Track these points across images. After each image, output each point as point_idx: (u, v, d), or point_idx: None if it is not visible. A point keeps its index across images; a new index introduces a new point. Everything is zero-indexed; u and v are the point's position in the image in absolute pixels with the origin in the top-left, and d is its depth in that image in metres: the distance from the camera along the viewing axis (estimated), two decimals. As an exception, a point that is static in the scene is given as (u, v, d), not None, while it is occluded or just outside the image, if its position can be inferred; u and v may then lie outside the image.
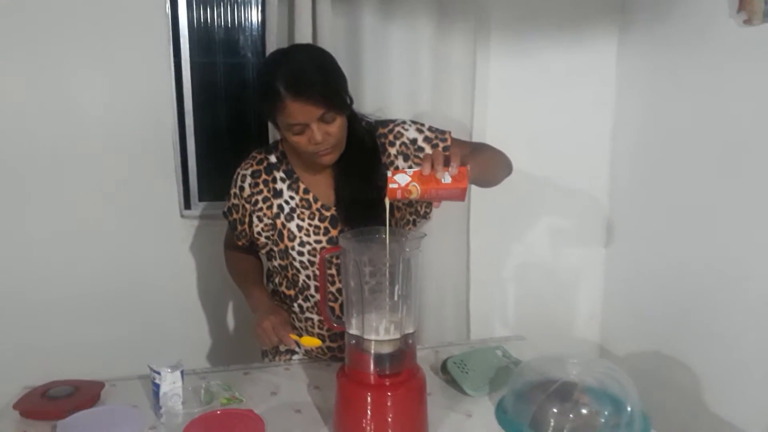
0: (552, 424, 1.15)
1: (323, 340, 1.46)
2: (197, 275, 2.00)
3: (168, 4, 1.86)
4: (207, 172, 2.01)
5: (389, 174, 1.09)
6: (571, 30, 2.15)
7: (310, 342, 1.33)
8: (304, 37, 1.82)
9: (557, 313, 2.33)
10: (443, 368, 1.39)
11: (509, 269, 2.27)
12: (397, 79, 1.94)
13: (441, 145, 1.38)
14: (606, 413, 1.14)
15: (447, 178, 1.07)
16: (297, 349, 1.52)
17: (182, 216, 1.97)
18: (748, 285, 1.74)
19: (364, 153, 1.34)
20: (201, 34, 1.95)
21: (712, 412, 1.86)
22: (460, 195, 1.09)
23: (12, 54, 1.77)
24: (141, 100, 1.87)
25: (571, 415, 1.14)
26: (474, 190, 2.06)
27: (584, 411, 1.15)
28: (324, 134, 1.23)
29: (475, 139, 2.07)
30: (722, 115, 1.81)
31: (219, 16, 1.97)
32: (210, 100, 2.00)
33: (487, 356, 1.46)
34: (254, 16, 2.01)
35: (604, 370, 1.22)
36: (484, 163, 1.33)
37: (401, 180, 1.07)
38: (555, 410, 1.15)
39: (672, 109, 2.00)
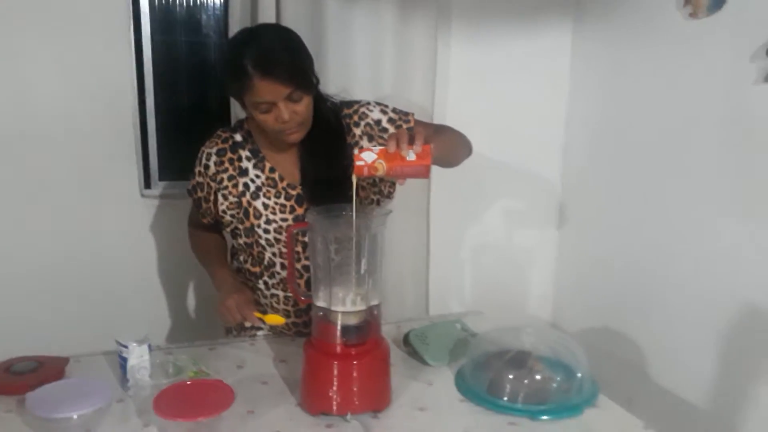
0: (508, 389, 1.22)
1: (288, 316, 1.49)
2: (158, 254, 2.00)
3: (128, -19, 1.84)
4: (168, 152, 2.00)
5: (356, 152, 1.12)
6: (528, 18, 2.23)
7: (274, 320, 1.37)
8: (267, 17, 1.84)
9: (511, 292, 2.43)
10: (405, 340, 1.45)
11: (466, 249, 2.35)
12: (359, 63, 1.98)
13: (404, 126, 1.43)
14: (558, 379, 1.22)
15: (411, 156, 1.11)
16: (262, 326, 1.55)
17: (142, 195, 1.96)
18: (686, 266, 1.87)
19: (329, 132, 1.38)
20: (162, 13, 1.94)
21: (653, 381, 1.99)
22: (425, 172, 1.13)
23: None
24: (101, 79, 1.85)
25: (525, 381, 1.21)
26: (433, 172, 2.13)
27: (538, 377, 1.22)
28: (291, 113, 1.26)
29: (436, 122, 2.12)
30: (669, 104, 1.91)
31: (180, -6, 1.96)
32: (171, 79, 1.99)
33: (447, 329, 1.52)
34: (216, -5, 2.01)
35: (556, 339, 1.30)
36: (447, 144, 1.39)
37: (367, 157, 1.11)
38: (511, 376, 1.22)
39: (623, 98, 2.10)
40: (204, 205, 1.46)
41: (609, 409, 1.22)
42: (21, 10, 1.75)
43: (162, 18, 1.94)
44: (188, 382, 1.15)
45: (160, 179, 2.00)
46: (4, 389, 1.19)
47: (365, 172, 1.12)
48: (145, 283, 2.00)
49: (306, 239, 1.36)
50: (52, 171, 1.85)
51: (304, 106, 1.28)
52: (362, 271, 1.16)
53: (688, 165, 1.86)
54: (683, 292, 1.89)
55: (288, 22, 1.85)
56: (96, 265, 1.93)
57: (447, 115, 2.18)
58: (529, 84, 2.27)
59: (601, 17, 2.17)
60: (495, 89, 2.23)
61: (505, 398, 1.21)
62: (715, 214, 1.78)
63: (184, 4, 1.97)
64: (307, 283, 1.39)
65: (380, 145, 1.39)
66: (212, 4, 2.00)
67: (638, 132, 2.04)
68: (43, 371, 1.25)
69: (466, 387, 1.28)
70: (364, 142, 1.41)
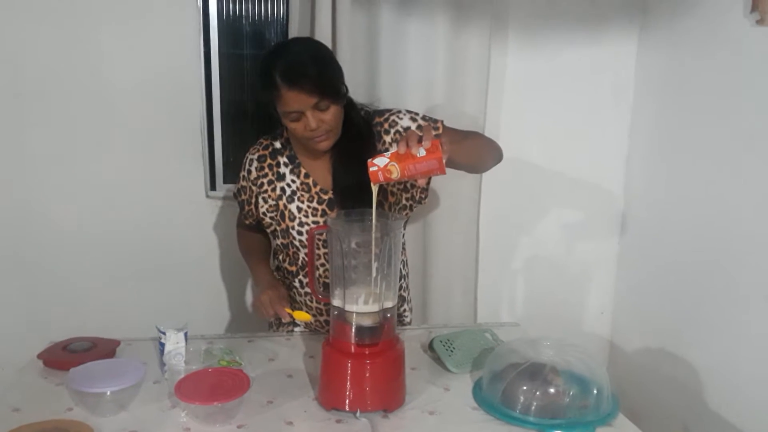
0: (521, 400, 1.21)
1: (321, 314, 1.56)
2: (219, 251, 2.13)
3: (200, -3, 2.00)
4: (232, 157, 2.14)
5: (370, 168, 1.15)
6: (591, 27, 2.18)
7: (302, 317, 1.44)
8: (324, 30, 1.92)
9: (567, 307, 2.37)
10: (430, 346, 1.47)
11: (519, 259, 2.32)
12: (412, 72, 2.02)
13: (433, 132, 1.45)
14: (571, 393, 1.20)
15: (421, 152, 1.12)
16: (298, 322, 1.63)
17: (208, 196, 2.10)
18: (756, 286, 1.75)
19: (359, 140, 1.43)
20: (229, 27, 2.08)
21: (712, 409, 1.88)
22: (439, 166, 1.13)
23: (52, 45, 1.92)
24: (173, 87, 2.01)
25: (537, 393, 1.20)
26: (485, 183, 2.14)
27: (551, 390, 1.20)
28: (318, 121, 1.33)
29: (488, 134, 2.12)
30: (735, 113, 1.81)
31: (247, 9, 2.09)
32: (236, 89, 2.12)
33: (476, 338, 1.53)
34: (279, 10, 2.11)
35: (575, 353, 1.27)
36: (472, 148, 1.42)
37: (380, 162, 1.15)
38: (524, 388, 1.22)
39: (688, 107, 2.01)
40: (247, 207, 1.56)
41: (623, 429, 1.18)
42: (104, 24, 1.94)
43: (229, 32, 2.08)
44: (210, 370, 1.24)
45: (224, 182, 2.14)
46: (59, 364, 1.34)
47: (380, 177, 1.16)
48: (205, 277, 2.14)
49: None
50: (128, 171, 2.03)
51: (331, 114, 1.34)
52: (376, 274, 1.20)
53: (756, 177, 1.74)
54: (750, 315, 1.77)
55: (343, 34, 1.92)
56: (162, 258, 2.09)
57: (501, 126, 2.17)
58: (590, 94, 2.22)
59: (667, 25, 2.09)
60: (553, 99, 2.20)
61: (518, 409, 1.20)
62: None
63: (250, 18, 2.10)
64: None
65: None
66: (275, 18, 2.12)
67: (704, 143, 1.93)
68: (95, 351, 1.39)
69: (481, 396, 1.28)
70: (394, 149, 1.45)
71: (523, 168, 2.22)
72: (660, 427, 2.04)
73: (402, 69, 2.01)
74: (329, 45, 1.92)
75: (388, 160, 1.14)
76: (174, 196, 2.07)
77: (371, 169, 1.15)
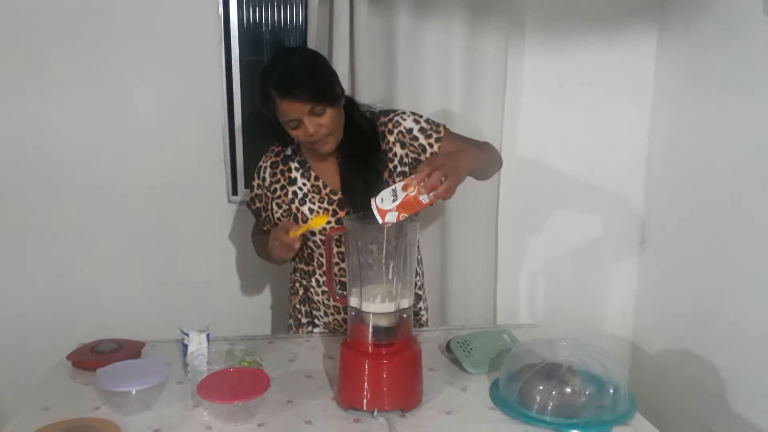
0: (537, 400, 1.22)
1: (339, 313, 1.60)
2: (241, 254, 2.17)
3: (221, 6, 2.04)
4: (253, 162, 2.16)
5: (380, 220, 1.19)
6: (609, 28, 2.17)
7: (318, 222, 1.45)
8: (342, 36, 1.95)
9: (587, 308, 2.36)
10: (447, 347, 1.49)
11: (538, 262, 2.32)
12: (430, 76, 2.04)
13: (434, 135, 1.50)
14: (587, 392, 1.20)
15: (426, 199, 1.20)
16: (317, 321, 1.65)
17: (229, 201, 2.14)
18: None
19: (362, 140, 1.48)
20: (250, 34, 2.12)
21: (734, 411, 1.86)
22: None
23: (74, 55, 1.98)
24: (194, 95, 2.06)
25: (554, 392, 1.21)
26: (503, 184, 2.15)
27: (567, 389, 1.21)
28: (316, 126, 1.37)
29: (507, 135, 2.14)
30: (756, 112, 1.79)
31: (266, 16, 2.13)
32: (257, 95, 2.14)
33: (493, 339, 1.53)
34: (298, 16, 2.15)
35: (591, 353, 1.27)
36: (478, 160, 1.44)
37: (392, 218, 1.19)
38: (540, 387, 1.22)
39: (708, 107, 1.99)
40: (263, 214, 1.60)
41: (640, 429, 1.18)
42: (126, 35, 1.99)
43: (250, 39, 2.12)
44: (231, 370, 1.27)
45: (246, 187, 2.18)
46: (87, 365, 1.38)
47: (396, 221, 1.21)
48: (228, 280, 2.19)
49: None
50: (152, 177, 2.08)
51: (328, 118, 1.38)
52: (391, 275, 1.22)
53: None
54: (771, 317, 1.76)
55: (361, 39, 1.95)
56: (185, 261, 2.14)
57: (519, 127, 2.18)
58: (610, 96, 2.21)
59: (686, 25, 2.07)
60: (572, 100, 2.20)
61: (535, 409, 1.21)
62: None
63: (270, 25, 2.14)
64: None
65: (398, 178, 1.48)
66: (295, 26, 2.16)
67: (724, 142, 1.92)
68: (121, 352, 1.44)
69: (498, 396, 1.29)
70: (397, 148, 1.50)
71: (542, 170, 2.23)
72: (682, 428, 2.02)
73: (419, 73, 2.03)
74: (347, 50, 1.95)
75: (397, 213, 1.19)
76: (197, 201, 2.11)
77: (386, 225, 1.19)
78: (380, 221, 1.19)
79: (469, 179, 1.39)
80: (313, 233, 1.50)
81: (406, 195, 1.18)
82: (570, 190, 2.26)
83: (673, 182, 2.17)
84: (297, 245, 1.39)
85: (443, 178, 1.21)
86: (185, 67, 2.03)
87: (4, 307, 2.09)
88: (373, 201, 1.21)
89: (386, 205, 1.19)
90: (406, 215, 1.20)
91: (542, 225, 2.29)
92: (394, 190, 1.21)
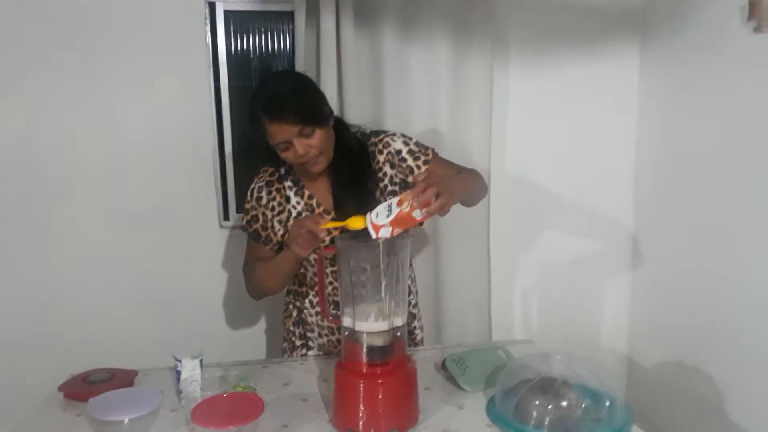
0: (534, 415, 1.21)
1: (333, 333, 1.59)
2: (234, 280, 2.17)
3: (209, 34, 2.06)
4: (245, 187, 2.16)
5: (373, 234, 1.20)
6: (592, 44, 2.21)
7: (356, 223, 1.26)
8: (329, 59, 1.98)
9: (582, 323, 2.36)
10: (443, 365, 1.48)
11: (532, 278, 2.32)
12: (417, 97, 2.07)
13: (422, 158, 1.52)
14: (583, 406, 1.20)
15: (419, 215, 1.21)
16: (311, 343, 1.65)
17: (221, 226, 2.14)
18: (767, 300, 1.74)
19: (353, 159, 1.49)
20: (238, 60, 2.14)
21: (732, 422, 1.85)
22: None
23: (64, 80, 2.00)
24: (184, 122, 2.07)
25: (550, 407, 1.20)
26: (494, 201, 2.16)
27: (564, 403, 1.20)
28: (305, 147, 1.38)
29: (495, 153, 2.16)
30: (740, 123, 1.82)
31: (254, 43, 2.15)
32: (246, 121, 2.16)
33: (488, 355, 1.53)
34: (285, 42, 2.18)
35: (586, 366, 1.27)
36: (467, 188, 1.47)
37: (386, 233, 1.20)
38: (536, 402, 1.22)
39: (693, 117, 2.02)
40: (263, 234, 1.57)
41: (638, 441, 1.17)
42: (115, 60, 2.01)
43: (238, 65, 2.14)
44: (224, 395, 1.26)
45: (237, 212, 2.18)
46: (79, 396, 1.36)
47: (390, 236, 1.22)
48: (221, 306, 2.18)
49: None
50: (142, 203, 2.08)
51: (317, 138, 1.39)
52: (384, 294, 1.22)
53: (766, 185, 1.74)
54: (764, 330, 1.76)
55: (348, 62, 1.98)
56: (178, 288, 2.13)
57: (507, 146, 2.20)
58: (595, 110, 2.24)
59: (668, 36, 2.11)
60: (558, 116, 2.23)
61: (532, 424, 1.20)
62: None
63: (258, 52, 2.16)
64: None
65: (389, 196, 1.48)
66: (282, 51, 2.18)
67: (711, 151, 1.93)
68: (113, 382, 1.42)
69: (495, 412, 1.29)
70: (386, 168, 1.51)
71: (531, 186, 2.25)
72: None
73: (406, 93, 2.05)
74: (335, 72, 1.98)
75: (391, 228, 1.20)
76: (188, 226, 2.12)
77: (380, 241, 1.20)
78: (374, 236, 1.19)
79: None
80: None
81: (400, 211, 1.19)
82: (560, 205, 2.28)
83: (661, 195, 2.19)
84: (324, 237, 1.32)
85: (437, 196, 1.22)
86: (174, 93, 2.05)
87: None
88: (368, 216, 1.22)
89: (380, 220, 1.20)
90: (400, 231, 1.21)
91: (534, 241, 2.30)
92: (389, 206, 1.22)
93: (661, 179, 2.19)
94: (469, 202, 1.56)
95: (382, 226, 1.19)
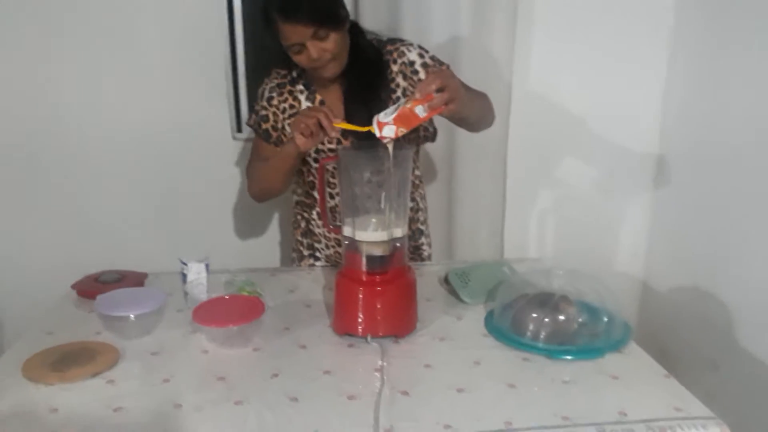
0: (530, 327, 1.22)
1: (340, 245, 1.59)
2: (245, 192, 2.17)
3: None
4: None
5: (377, 133, 1.16)
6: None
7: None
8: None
9: (599, 247, 2.33)
10: (446, 279, 1.49)
11: (549, 199, 2.28)
12: (437, 6, 1.96)
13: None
14: (580, 320, 1.20)
15: (423, 113, 1.16)
16: (318, 254, 1.66)
17: (234, 138, 2.13)
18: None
19: (368, 67, 1.44)
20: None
21: (741, 346, 1.84)
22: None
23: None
24: (195, 29, 2.02)
25: (547, 320, 1.20)
26: (513, 119, 2.10)
27: (561, 317, 1.21)
28: (320, 51, 1.33)
29: (518, 69, 2.08)
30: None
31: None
32: (259, 30, 2.11)
33: (492, 271, 1.52)
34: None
35: (588, 283, 1.26)
36: (475, 107, 1.41)
37: (390, 132, 1.16)
38: (534, 315, 1.22)
39: (732, 44, 1.89)
40: (273, 134, 1.54)
41: (633, 356, 1.17)
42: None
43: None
44: (226, 297, 1.29)
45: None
46: (90, 294, 1.41)
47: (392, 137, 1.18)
48: (233, 218, 2.20)
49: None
50: (155, 115, 2.06)
51: (332, 42, 1.34)
52: (383, 204, 1.21)
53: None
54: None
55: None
56: (192, 200, 2.15)
57: (532, 57, 2.11)
58: (626, 27, 2.11)
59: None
60: (586, 28, 2.10)
61: (527, 335, 1.21)
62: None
63: (271, -44, 2.07)
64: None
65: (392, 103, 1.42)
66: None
67: (749, 70, 1.81)
68: (124, 282, 1.46)
69: (492, 324, 1.30)
70: (399, 79, 1.46)
71: (554, 104, 2.16)
72: (690, 365, 2.01)
73: (426, 2, 1.96)
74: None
75: (395, 127, 1.16)
76: (201, 138, 2.11)
77: (385, 141, 1.17)
78: (377, 134, 1.16)
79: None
80: (316, 159, 1.49)
81: (403, 107, 1.15)
82: (582, 125, 2.19)
83: (690, 119, 2.10)
84: (332, 134, 1.25)
85: (442, 91, 1.15)
86: (186, 2, 1.99)
87: (16, 241, 2.13)
88: (375, 117, 1.18)
89: (385, 118, 1.17)
90: (405, 131, 1.17)
91: (553, 161, 2.25)
92: (397, 107, 1.18)
93: (691, 100, 2.09)
94: (474, 123, 1.51)
95: (386, 124, 1.15)
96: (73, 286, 1.46)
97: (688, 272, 2.10)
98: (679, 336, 2.11)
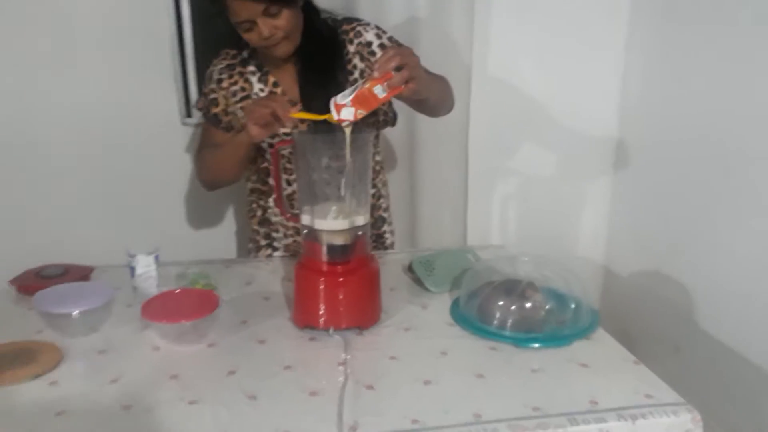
0: (497, 315, 1.19)
1: (298, 234, 1.53)
2: (195, 179, 2.08)
3: None
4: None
5: (335, 116, 1.11)
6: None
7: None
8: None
9: (561, 232, 2.33)
10: (410, 267, 1.45)
11: (510, 185, 2.26)
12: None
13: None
14: (548, 307, 1.17)
15: (382, 93, 1.11)
16: (276, 244, 1.59)
17: (183, 123, 2.03)
18: (746, 210, 1.71)
19: (322, 46, 1.38)
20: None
21: (702, 329, 1.87)
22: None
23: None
24: (138, 7, 1.90)
25: (513, 308, 1.18)
26: (474, 104, 2.06)
27: (527, 305, 1.18)
28: (271, 28, 1.27)
29: (477, 54, 2.04)
30: (741, 22, 1.70)
31: None
32: (208, 8, 2.00)
33: (456, 258, 1.49)
34: None
35: (554, 269, 1.24)
36: (435, 84, 1.37)
37: (348, 115, 1.11)
38: (500, 303, 1.19)
39: (689, 27, 1.90)
40: (224, 119, 1.48)
41: (601, 342, 1.16)
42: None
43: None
44: (177, 291, 1.22)
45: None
46: (30, 290, 1.31)
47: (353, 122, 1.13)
48: (183, 206, 2.10)
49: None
50: (97, 98, 1.93)
51: (284, 19, 1.27)
52: (343, 192, 1.16)
53: (760, 93, 1.65)
54: (741, 239, 1.73)
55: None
56: (140, 188, 2.03)
57: (490, 42, 2.07)
58: (585, 11, 2.10)
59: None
60: (545, 13, 2.08)
61: (494, 324, 1.18)
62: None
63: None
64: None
65: (349, 85, 1.36)
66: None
67: (708, 54, 1.82)
68: (68, 276, 1.38)
69: (458, 313, 1.26)
70: (356, 60, 1.41)
71: (513, 89, 2.14)
72: (653, 348, 2.03)
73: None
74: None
75: (354, 109, 1.11)
76: (148, 124, 1.99)
77: (344, 125, 1.12)
78: (336, 117, 1.11)
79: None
80: (270, 145, 1.41)
81: (361, 88, 1.10)
82: (542, 110, 2.18)
83: (648, 104, 2.10)
84: (288, 125, 1.20)
85: (400, 69, 1.11)
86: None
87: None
88: (332, 100, 1.13)
89: (343, 99, 1.12)
90: (364, 113, 1.12)
91: (514, 147, 2.22)
92: (354, 88, 1.13)
93: (650, 88, 2.09)
94: (434, 107, 1.46)
95: (344, 106, 1.10)
96: (12, 282, 1.36)
97: (650, 256, 2.12)
98: (641, 320, 2.13)
